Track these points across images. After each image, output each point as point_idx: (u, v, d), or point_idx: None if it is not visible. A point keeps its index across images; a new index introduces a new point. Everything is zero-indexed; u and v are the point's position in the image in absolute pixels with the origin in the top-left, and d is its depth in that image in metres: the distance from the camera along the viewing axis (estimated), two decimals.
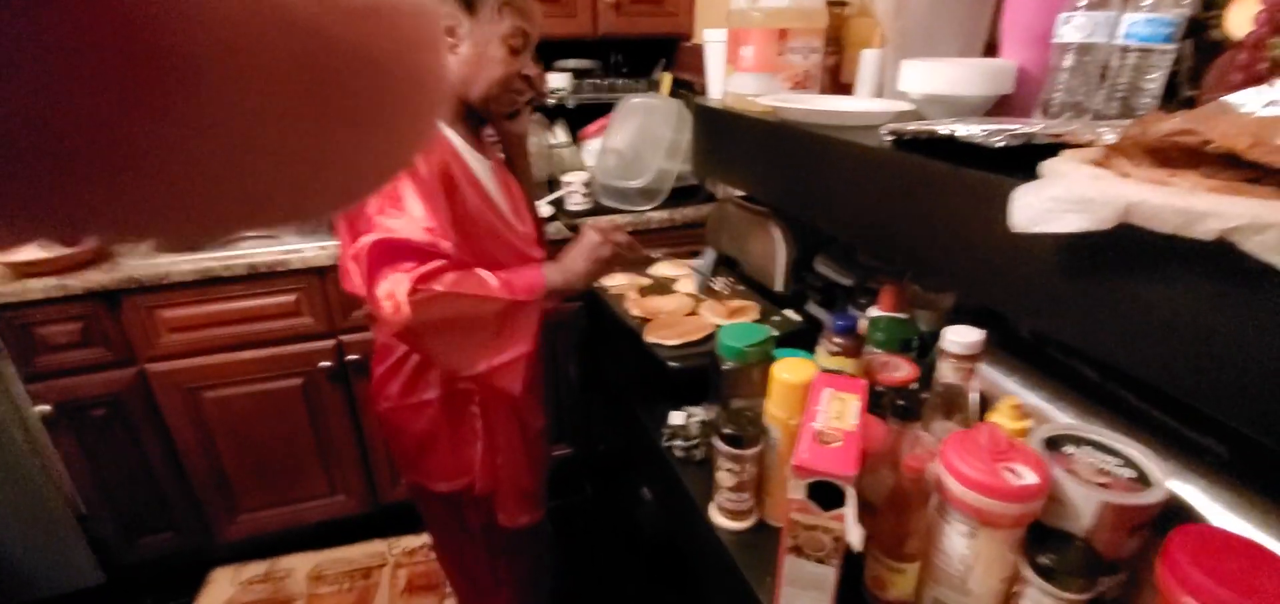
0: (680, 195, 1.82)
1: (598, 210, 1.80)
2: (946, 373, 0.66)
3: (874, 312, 0.89)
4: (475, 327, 0.97)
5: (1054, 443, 0.59)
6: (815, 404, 0.62)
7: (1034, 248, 0.47)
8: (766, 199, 1.15)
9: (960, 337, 0.67)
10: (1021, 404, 0.62)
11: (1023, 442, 0.56)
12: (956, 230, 0.58)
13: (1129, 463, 0.58)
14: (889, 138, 0.70)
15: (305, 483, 1.80)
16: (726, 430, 0.69)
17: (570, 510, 1.97)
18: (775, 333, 0.82)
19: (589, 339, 1.05)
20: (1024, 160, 0.52)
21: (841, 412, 0.59)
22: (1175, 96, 0.70)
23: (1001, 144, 0.54)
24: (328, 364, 1.66)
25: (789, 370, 0.68)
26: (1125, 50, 0.69)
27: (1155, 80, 0.69)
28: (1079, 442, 0.59)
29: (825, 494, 0.55)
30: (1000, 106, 0.83)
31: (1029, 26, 0.83)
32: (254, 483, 1.75)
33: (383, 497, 1.89)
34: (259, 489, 1.76)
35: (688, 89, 2.07)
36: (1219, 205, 0.33)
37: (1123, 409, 0.65)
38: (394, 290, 0.89)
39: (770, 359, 0.72)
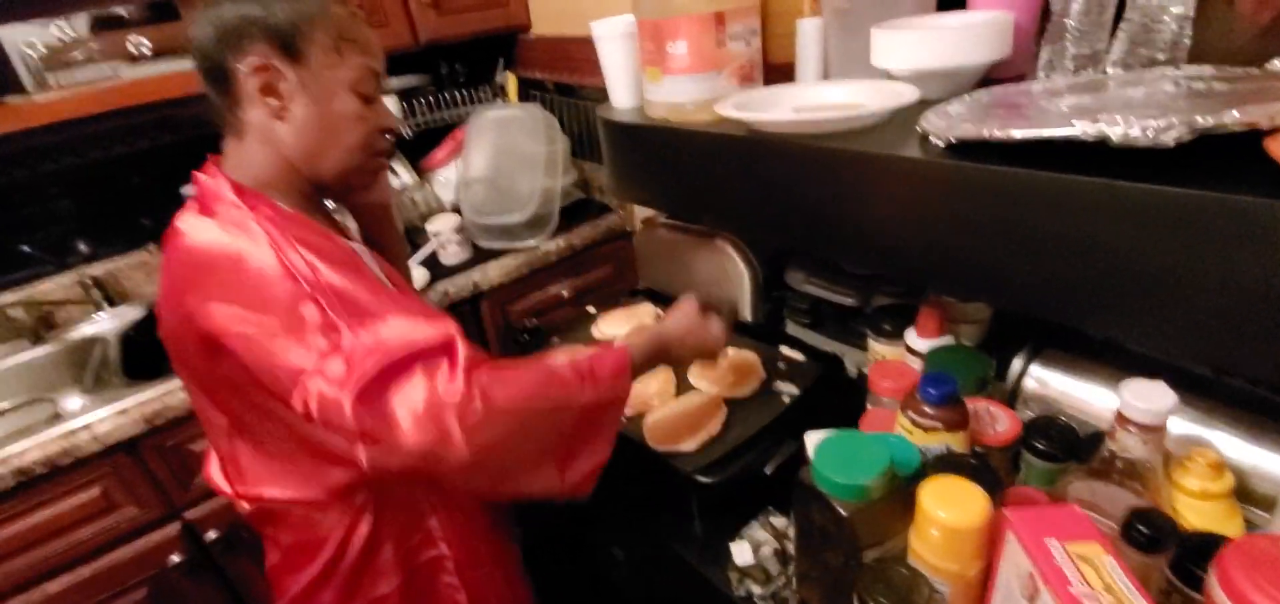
0: (570, 214, 1.60)
1: (481, 257, 1.52)
2: (1132, 447, 0.52)
3: (913, 338, 0.76)
4: (543, 435, 0.69)
5: None
6: (1054, 580, 0.42)
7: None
8: (740, 232, 0.97)
9: (1148, 402, 0.51)
10: (1217, 459, 0.51)
11: None
12: (1114, 265, 0.46)
13: None
14: (940, 144, 0.56)
15: None
16: None
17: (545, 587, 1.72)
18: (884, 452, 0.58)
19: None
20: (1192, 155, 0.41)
21: (1101, 582, 0.41)
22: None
23: (1173, 141, 0.41)
24: (177, 557, 1.25)
25: (948, 506, 0.50)
26: None
27: (1178, 10, 0.62)
28: None
29: None
30: (994, 69, 0.72)
31: None
32: None
33: None
34: None
35: (539, 88, 1.82)
36: None
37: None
38: (437, 416, 0.59)
39: (902, 484, 0.56)
